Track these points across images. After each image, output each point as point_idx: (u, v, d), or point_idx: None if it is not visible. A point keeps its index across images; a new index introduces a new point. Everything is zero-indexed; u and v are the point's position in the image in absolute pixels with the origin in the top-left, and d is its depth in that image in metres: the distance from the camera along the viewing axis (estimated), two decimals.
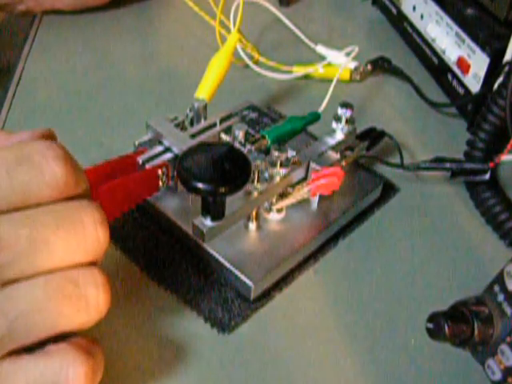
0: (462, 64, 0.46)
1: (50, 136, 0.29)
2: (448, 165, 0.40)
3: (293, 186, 0.35)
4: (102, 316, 0.24)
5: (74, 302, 0.23)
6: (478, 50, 0.44)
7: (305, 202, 0.36)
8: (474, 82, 0.45)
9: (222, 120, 0.37)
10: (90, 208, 0.23)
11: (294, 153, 0.36)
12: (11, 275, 0.22)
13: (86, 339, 0.24)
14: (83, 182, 0.24)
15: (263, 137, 0.36)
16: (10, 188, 0.22)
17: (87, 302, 0.23)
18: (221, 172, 0.29)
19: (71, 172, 0.23)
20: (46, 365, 0.22)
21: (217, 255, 0.33)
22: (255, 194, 0.33)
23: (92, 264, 0.24)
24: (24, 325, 0.22)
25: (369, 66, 0.53)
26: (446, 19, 0.49)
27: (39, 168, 0.22)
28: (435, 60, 0.52)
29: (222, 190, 0.28)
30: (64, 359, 0.23)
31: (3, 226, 0.22)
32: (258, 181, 0.34)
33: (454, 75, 0.48)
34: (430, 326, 0.29)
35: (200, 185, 0.28)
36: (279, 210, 0.36)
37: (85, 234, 0.23)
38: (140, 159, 0.34)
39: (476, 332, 0.28)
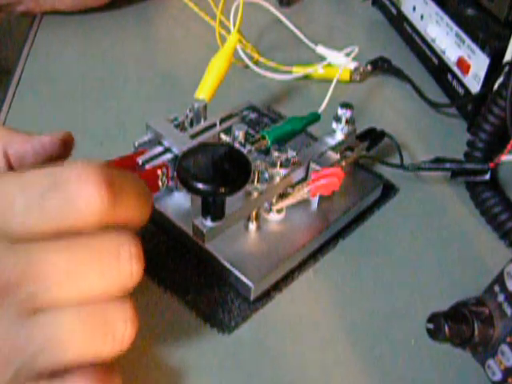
0: (462, 64, 0.46)
1: (67, 138, 0.29)
2: (448, 165, 0.40)
3: (293, 186, 0.35)
4: (125, 349, 0.23)
5: (101, 337, 0.22)
6: (477, 50, 0.44)
7: (305, 203, 0.36)
8: (474, 82, 0.45)
9: (222, 120, 0.37)
10: (128, 241, 0.23)
11: (294, 153, 0.36)
12: (42, 304, 0.22)
13: (103, 368, 0.24)
14: (127, 205, 0.23)
15: (263, 137, 0.36)
16: (45, 215, 0.21)
17: (114, 335, 0.23)
18: (221, 172, 0.29)
19: (110, 198, 0.22)
20: None
21: (217, 255, 0.33)
22: (255, 194, 0.33)
23: (124, 296, 0.23)
24: (48, 353, 0.22)
25: (369, 67, 0.53)
26: (446, 19, 0.49)
27: (75, 195, 0.21)
28: (435, 60, 0.52)
29: (222, 190, 0.28)
30: None
31: (37, 255, 0.22)
32: (258, 181, 0.34)
33: (454, 75, 0.48)
34: (430, 326, 0.29)
35: (200, 185, 0.28)
36: (279, 211, 0.36)
37: (119, 268, 0.23)
38: (140, 160, 0.34)
39: (476, 332, 0.28)
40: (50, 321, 0.22)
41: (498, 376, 0.28)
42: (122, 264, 0.23)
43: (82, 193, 0.21)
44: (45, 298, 0.22)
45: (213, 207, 0.30)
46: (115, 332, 0.23)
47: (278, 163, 0.34)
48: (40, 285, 0.21)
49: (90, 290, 0.22)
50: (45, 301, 0.22)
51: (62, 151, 0.30)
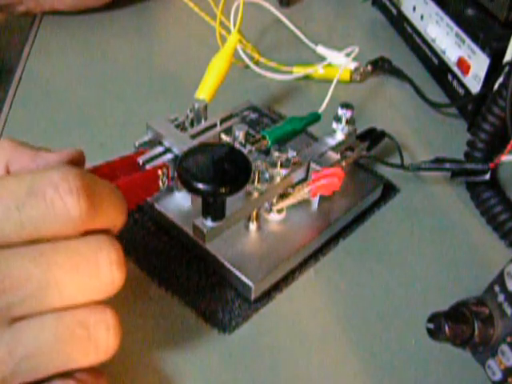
0: (462, 64, 0.46)
1: (78, 157, 0.27)
2: (448, 165, 0.40)
3: (293, 186, 0.36)
4: (109, 357, 0.23)
5: (83, 345, 0.22)
6: (478, 50, 0.44)
7: (305, 203, 0.37)
8: (474, 82, 0.45)
9: (223, 120, 0.37)
10: (107, 247, 0.22)
11: (294, 153, 0.36)
12: (20, 313, 0.21)
13: (91, 374, 0.23)
14: (105, 211, 0.23)
15: (263, 137, 0.36)
16: (19, 223, 0.21)
17: (96, 345, 0.22)
18: (221, 172, 0.29)
19: (87, 208, 0.21)
20: None
21: (217, 256, 0.33)
22: (256, 194, 0.33)
23: (105, 304, 0.23)
24: (30, 365, 0.21)
25: (369, 67, 0.53)
26: (446, 20, 0.49)
27: (51, 204, 0.21)
28: (435, 60, 0.52)
29: (223, 190, 0.28)
30: None
31: (14, 263, 0.21)
32: (258, 181, 0.34)
33: (454, 76, 0.48)
34: (431, 326, 0.29)
35: (200, 185, 0.28)
36: (279, 211, 0.36)
37: (99, 275, 0.22)
38: (140, 160, 0.34)
39: (476, 332, 0.28)
40: (28, 333, 0.21)
41: (498, 376, 0.28)
42: (102, 271, 0.22)
43: (60, 201, 0.21)
44: (22, 308, 0.21)
45: (213, 207, 0.30)
46: (98, 341, 0.22)
47: (279, 163, 0.34)
48: (16, 295, 0.21)
49: (69, 299, 0.22)
50: (23, 310, 0.21)
51: None
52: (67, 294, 0.22)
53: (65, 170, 0.22)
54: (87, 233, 0.23)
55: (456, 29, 0.47)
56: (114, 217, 0.24)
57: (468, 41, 0.45)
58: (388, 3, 0.60)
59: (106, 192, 0.23)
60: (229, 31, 0.51)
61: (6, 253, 0.21)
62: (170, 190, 0.36)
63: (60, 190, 0.21)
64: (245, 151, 0.35)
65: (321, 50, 0.55)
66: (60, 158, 0.26)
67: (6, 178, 0.22)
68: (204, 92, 0.40)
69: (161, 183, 0.34)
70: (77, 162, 0.28)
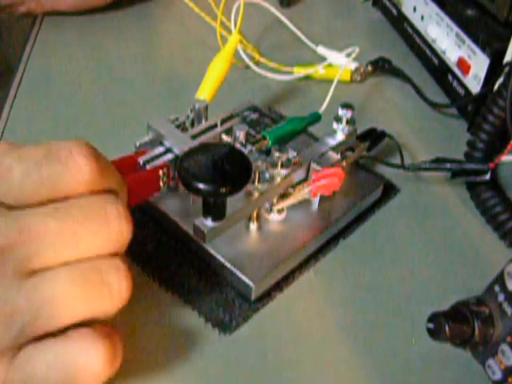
0: (463, 65, 0.46)
1: None
2: (448, 165, 0.40)
3: (293, 186, 0.36)
4: (124, 303, 0.25)
5: (98, 289, 0.24)
6: (478, 50, 0.44)
7: (305, 203, 0.37)
8: (474, 82, 0.45)
9: (223, 121, 0.37)
10: (114, 203, 0.25)
11: (294, 153, 0.36)
12: (38, 264, 0.23)
13: (105, 326, 0.25)
14: (110, 178, 0.26)
15: (264, 137, 0.36)
16: (40, 181, 0.23)
17: (110, 289, 0.24)
18: (222, 173, 0.29)
19: (97, 168, 0.24)
20: (66, 348, 0.23)
21: (218, 256, 0.33)
22: (256, 194, 0.33)
23: (115, 255, 0.25)
24: (48, 311, 0.23)
25: (369, 67, 0.53)
26: (447, 20, 0.49)
27: (66, 164, 0.24)
28: (435, 61, 0.52)
29: (223, 190, 0.28)
30: (84, 342, 0.24)
31: (33, 218, 0.23)
32: (258, 181, 0.34)
33: (455, 76, 0.48)
34: (431, 326, 0.29)
35: (201, 185, 0.28)
36: (280, 211, 0.36)
37: (109, 226, 0.24)
38: (141, 160, 0.34)
39: (476, 332, 0.28)
40: (45, 281, 0.23)
41: (498, 375, 0.28)
42: (112, 222, 0.24)
43: (73, 163, 0.24)
44: (40, 258, 0.23)
45: (213, 207, 0.30)
46: (111, 284, 0.24)
47: (279, 163, 0.34)
48: (35, 246, 0.23)
49: (83, 249, 0.24)
50: (40, 261, 0.23)
51: None
52: (81, 244, 0.24)
53: (76, 140, 0.25)
54: (96, 193, 0.25)
55: (456, 29, 0.47)
56: (117, 182, 0.26)
57: (468, 41, 0.46)
58: (388, 4, 0.60)
59: (107, 162, 0.26)
60: (229, 32, 0.51)
61: (24, 211, 0.23)
62: (170, 190, 0.36)
63: (73, 152, 0.24)
64: (245, 151, 0.35)
65: (321, 50, 0.55)
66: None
67: (25, 146, 0.24)
68: (205, 92, 0.40)
69: (161, 183, 0.34)
70: None
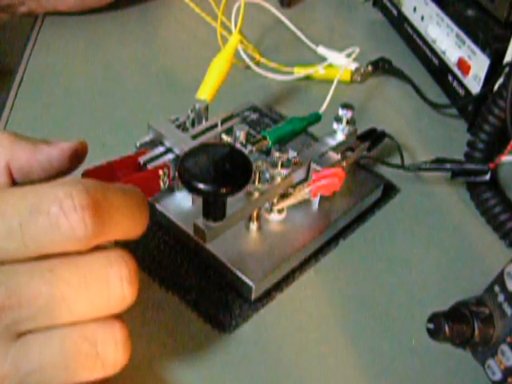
0: (463, 65, 0.46)
1: (80, 150, 0.27)
2: (448, 165, 0.40)
3: (294, 186, 0.36)
4: (119, 368, 0.23)
5: (90, 362, 0.22)
6: (478, 51, 0.44)
7: (306, 203, 0.37)
8: (474, 82, 0.45)
9: (224, 121, 0.37)
10: (118, 263, 0.22)
11: (294, 153, 0.36)
12: (27, 328, 0.21)
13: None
14: (117, 227, 0.22)
15: (264, 137, 0.36)
16: (22, 242, 0.20)
17: (104, 361, 0.22)
18: (222, 173, 0.29)
19: (93, 224, 0.21)
20: None
21: (218, 255, 0.33)
22: (256, 194, 0.33)
23: (114, 318, 0.23)
24: (35, 380, 0.21)
25: (369, 67, 0.53)
26: (447, 20, 0.49)
27: (55, 222, 0.20)
28: (436, 61, 0.52)
29: (223, 190, 0.28)
30: None
31: (22, 279, 0.21)
32: (259, 181, 0.34)
33: (455, 76, 0.48)
34: (431, 326, 0.29)
35: (201, 185, 0.28)
36: (280, 211, 0.36)
37: (109, 292, 0.22)
38: (141, 160, 0.34)
39: (476, 332, 0.28)
40: (35, 347, 0.21)
41: (498, 376, 0.28)
42: (112, 288, 0.22)
43: (64, 219, 0.20)
44: (30, 323, 0.21)
45: (214, 207, 0.30)
46: (105, 357, 0.22)
47: (279, 163, 0.34)
48: (24, 311, 0.21)
49: (78, 316, 0.22)
50: (30, 326, 0.21)
51: (72, 165, 0.27)
52: (75, 310, 0.21)
53: (69, 185, 0.21)
54: (99, 247, 0.22)
55: (456, 29, 0.47)
56: (130, 226, 0.23)
57: (468, 41, 0.46)
58: (389, 4, 0.60)
59: (118, 202, 0.22)
60: (230, 32, 0.51)
61: (13, 268, 0.21)
62: (170, 190, 0.37)
63: (64, 207, 0.20)
64: (245, 151, 0.35)
65: (321, 50, 0.55)
66: (60, 152, 0.26)
67: (9, 192, 0.21)
68: (205, 92, 0.40)
69: (162, 183, 0.34)
70: (79, 153, 0.27)
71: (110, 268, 0.22)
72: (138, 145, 0.36)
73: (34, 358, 0.21)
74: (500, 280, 0.29)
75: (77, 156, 0.27)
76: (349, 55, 0.50)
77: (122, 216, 0.22)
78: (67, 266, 0.21)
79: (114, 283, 0.22)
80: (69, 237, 0.20)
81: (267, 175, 0.34)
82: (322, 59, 0.53)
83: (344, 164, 0.37)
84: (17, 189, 0.21)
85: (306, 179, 0.36)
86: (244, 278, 0.32)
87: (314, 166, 0.36)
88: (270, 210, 0.36)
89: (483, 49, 0.43)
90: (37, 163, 0.26)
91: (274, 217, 0.36)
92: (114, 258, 0.22)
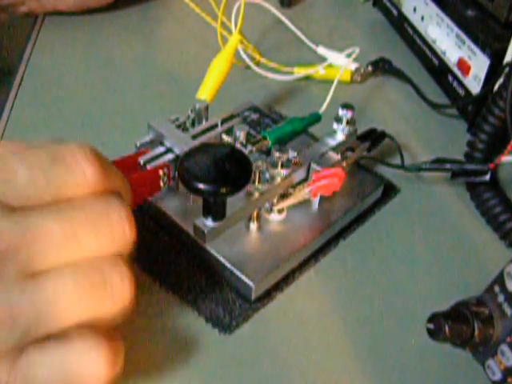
0: (463, 65, 0.46)
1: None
2: (448, 166, 0.40)
3: (294, 186, 0.36)
4: (127, 305, 0.25)
5: (100, 289, 0.24)
6: (478, 51, 0.44)
7: (306, 203, 0.37)
8: (474, 83, 0.45)
9: (224, 121, 0.37)
10: (117, 204, 0.25)
11: (294, 154, 0.36)
12: (41, 266, 0.23)
13: (107, 328, 0.25)
14: (114, 180, 0.26)
15: (264, 138, 0.37)
16: (44, 186, 0.24)
17: (112, 289, 0.24)
18: (222, 173, 0.29)
19: (100, 171, 0.25)
20: (68, 350, 0.23)
21: (218, 255, 0.33)
22: (256, 194, 0.33)
23: (118, 256, 0.25)
24: (51, 312, 0.23)
25: (369, 68, 0.53)
26: (447, 21, 0.49)
27: (71, 168, 0.24)
28: (436, 61, 0.52)
29: (223, 190, 0.28)
30: (85, 343, 0.24)
31: (36, 220, 0.23)
32: (259, 181, 0.34)
33: (455, 76, 0.48)
34: (430, 326, 0.29)
35: (201, 185, 0.28)
36: (280, 211, 0.36)
37: (111, 227, 0.24)
38: (141, 160, 0.34)
39: (476, 332, 0.28)
40: (48, 282, 0.23)
41: (498, 376, 0.28)
42: (114, 224, 0.24)
43: (78, 167, 0.24)
44: (43, 260, 0.23)
45: (214, 207, 0.31)
46: (113, 287, 0.24)
47: (279, 164, 0.34)
48: (38, 248, 0.23)
49: (86, 250, 0.24)
50: (43, 263, 0.23)
51: None
52: (84, 245, 0.24)
53: (82, 143, 0.25)
54: (100, 195, 0.25)
55: (456, 30, 0.47)
56: (121, 184, 0.27)
57: (468, 42, 0.46)
58: (389, 4, 0.60)
59: (111, 164, 0.26)
60: (230, 32, 0.51)
61: (28, 212, 0.23)
62: (170, 189, 0.37)
63: (78, 157, 0.24)
64: (245, 151, 0.35)
65: (321, 50, 0.55)
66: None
67: (29, 147, 0.25)
68: (205, 92, 0.40)
69: (162, 183, 0.34)
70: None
71: (110, 208, 0.25)
72: (138, 145, 0.36)
73: (48, 292, 0.23)
74: (500, 280, 0.29)
75: None
76: (349, 55, 0.50)
77: (115, 174, 0.26)
78: (74, 207, 0.24)
79: (115, 220, 0.25)
80: (81, 180, 0.24)
81: (267, 175, 0.34)
82: (322, 59, 0.53)
83: (344, 164, 0.37)
84: (37, 145, 0.25)
85: (306, 179, 0.36)
86: (244, 278, 0.32)
87: (314, 166, 0.36)
88: (270, 210, 0.36)
89: (483, 49, 0.43)
90: None
91: (274, 217, 0.36)
92: (113, 201, 0.25)
